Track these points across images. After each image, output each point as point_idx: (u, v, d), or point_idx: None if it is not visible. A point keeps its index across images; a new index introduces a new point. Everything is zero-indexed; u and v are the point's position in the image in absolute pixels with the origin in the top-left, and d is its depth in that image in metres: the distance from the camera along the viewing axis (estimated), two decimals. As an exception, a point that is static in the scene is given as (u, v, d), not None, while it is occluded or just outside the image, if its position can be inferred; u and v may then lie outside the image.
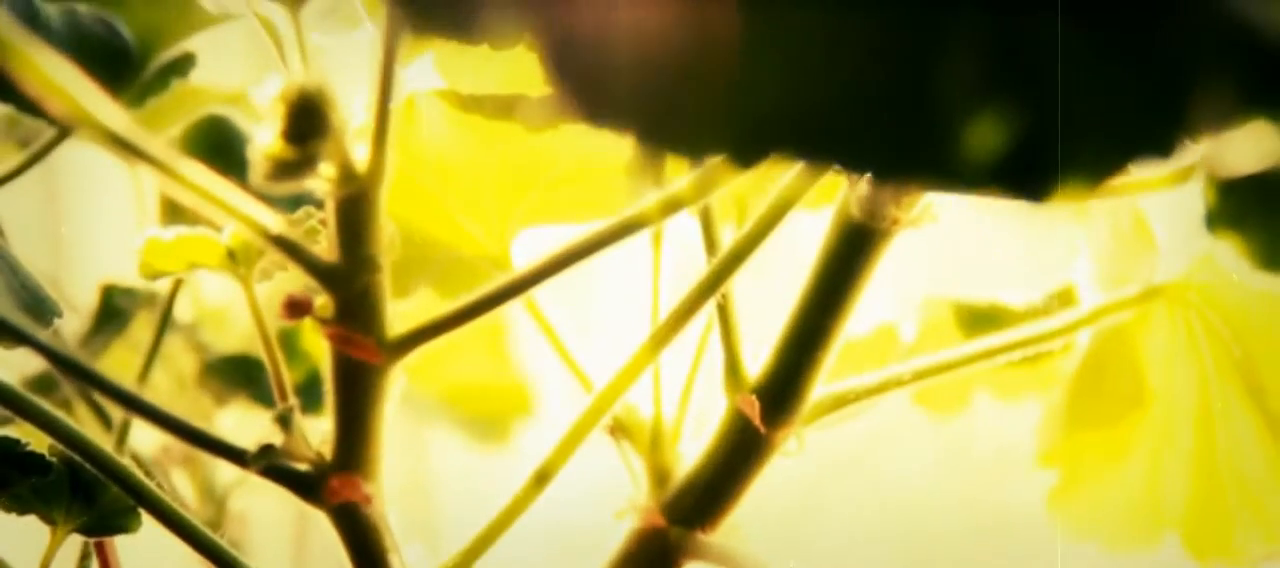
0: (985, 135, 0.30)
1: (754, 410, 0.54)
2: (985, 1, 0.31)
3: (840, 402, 0.56)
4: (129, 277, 0.71)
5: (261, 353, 0.51)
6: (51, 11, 0.65)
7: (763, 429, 0.54)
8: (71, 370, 0.50)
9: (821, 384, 0.55)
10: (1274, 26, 0.32)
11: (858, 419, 0.58)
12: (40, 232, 0.74)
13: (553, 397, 0.85)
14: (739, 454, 0.55)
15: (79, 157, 0.71)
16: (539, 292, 0.55)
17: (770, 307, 0.56)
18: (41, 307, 0.59)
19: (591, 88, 0.29)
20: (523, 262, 0.69)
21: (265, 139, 0.44)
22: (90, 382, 0.49)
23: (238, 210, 0.45)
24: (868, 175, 0.31)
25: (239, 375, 0.70)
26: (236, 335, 0.71)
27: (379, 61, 0.44)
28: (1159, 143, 0.29)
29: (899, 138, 0.30)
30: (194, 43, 0.69)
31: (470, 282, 0.68)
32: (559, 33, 0.29)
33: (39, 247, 0.75)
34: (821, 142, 0.30)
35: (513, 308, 0.67)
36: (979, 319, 0.62)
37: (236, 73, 0.73)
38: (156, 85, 0.67)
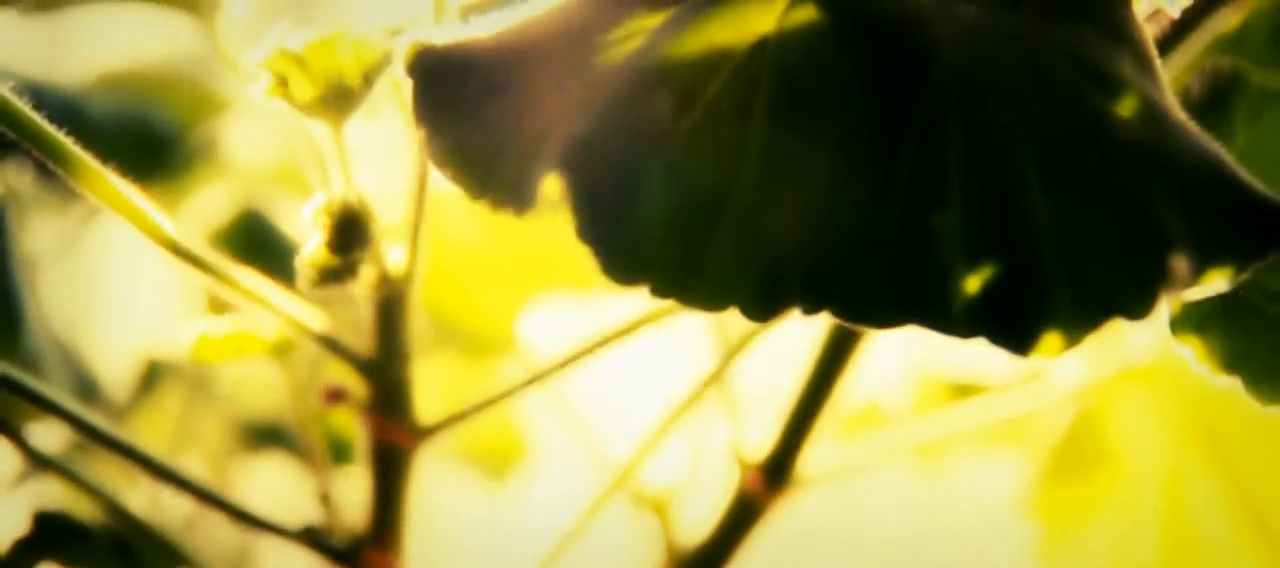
0: (973, 287, 0.34)
1: (759, 483, 0.58)
2: (971, 159, 0.35)
3: (837, 473, 0.60)
4: (166, 338, 0.75)
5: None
6: (92, 102, 0.69)
7: (766, 500, 0.58)
8: (111, 446, 0.53)
9: (818, 454, 0.59)
10: (1237, 178, 0.37)
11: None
12: (75, 293, 0.78)
13: (549, 441, 0.88)
14: (740, 521, 0.60)
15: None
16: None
17: (769, 382, 0.61)
18: (82, 381, 0.63)
19: (617, 248, 0.33)
20: (534, 327, 0.73)
21: (311, 248, 0.48)
22: (132, 458, 0.53)
23: (283, 311, 0.49)
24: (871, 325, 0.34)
25: (272, 437, 0.74)
26: (268, 396, 0.75)
27: (415, 179, 0.48)
28: (1136, 303, 0.33)
29: (898, 288, 0.34)
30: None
31: (486, 348, 0.72)
32: (587, 196, 0.33)
33: (74, 309, 0.79)
34: (828, 295, 0.34)
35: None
36: (960, 391, 0.67)
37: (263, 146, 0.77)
38: (190, 164, 0.71)
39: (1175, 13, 0.45)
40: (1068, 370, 0.63)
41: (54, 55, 0.69)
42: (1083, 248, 0.34)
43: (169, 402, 0.73)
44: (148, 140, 0.69)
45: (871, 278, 0.34)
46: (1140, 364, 0.59)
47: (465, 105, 0.36)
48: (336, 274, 0.48)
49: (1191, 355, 0.48)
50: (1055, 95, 0.36)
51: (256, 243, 0.72)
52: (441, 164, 0.35)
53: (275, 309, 0.49)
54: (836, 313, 0.34)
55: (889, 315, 0.34)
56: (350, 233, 0.48)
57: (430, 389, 0.55)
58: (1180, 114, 0.38)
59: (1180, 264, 0.34)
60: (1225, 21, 0.54)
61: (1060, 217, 0.34)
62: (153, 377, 0.75)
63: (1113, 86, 0.37)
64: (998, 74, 0.35)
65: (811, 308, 0.34)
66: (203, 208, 0.73)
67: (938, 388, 0.67)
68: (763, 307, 0.34)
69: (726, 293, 0.34)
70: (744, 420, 0.60)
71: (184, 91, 0.69)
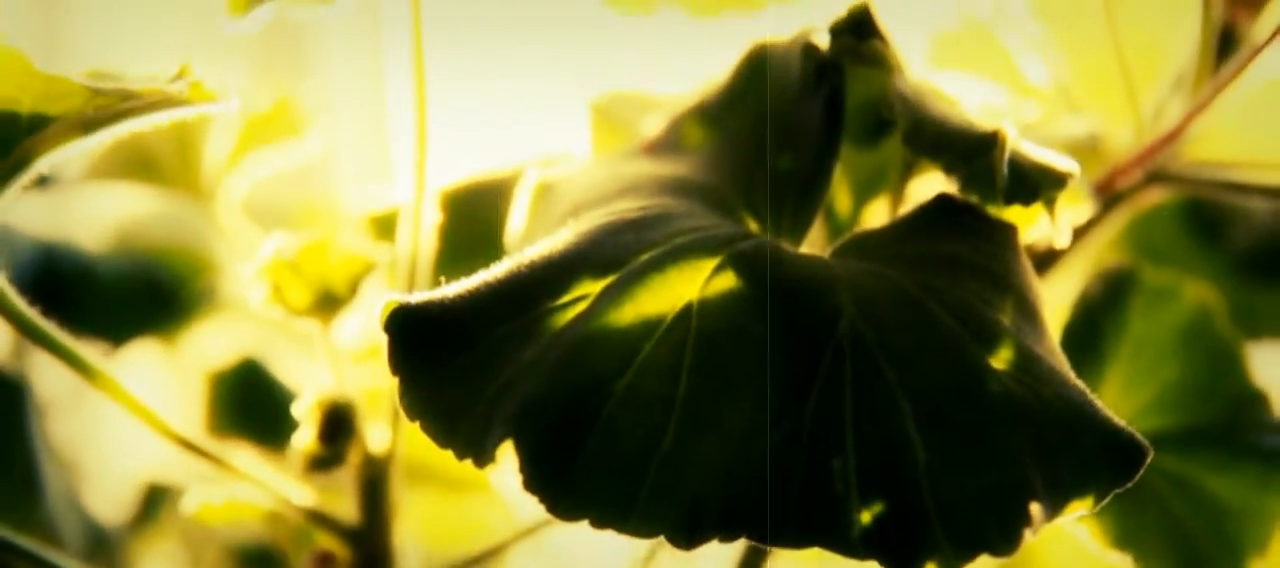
0: (867, 519, 0.40)
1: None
2: (863, 413, 0.41)
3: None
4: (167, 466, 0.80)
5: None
6: (103, 261, 0.75)
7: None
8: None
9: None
10: (1098, 417, 0.43)
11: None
12: (85, 429, 0.84)
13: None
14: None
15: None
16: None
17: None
18: (90, 527, 0.69)
19: (560, 493, 0.39)
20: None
21: (302, 439, 0.54)
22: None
23: (277, 491, 0.55)
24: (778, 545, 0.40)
25: (265, 562, 0.79)
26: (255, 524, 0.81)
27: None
28: (1002, 542, 0.39)
29: (804, 519, 0.40)
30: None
31: (462, 486, 0.78)
32: (534, 454, 0.39)
33: (85, 443, 0.84)
34: (743, 525, 0.40)
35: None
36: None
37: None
38: (191, 314, 0.77)
39: (1064, 244, 0.51)
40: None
41: (71, 223, 0.75)
42: (956, 493, 0.40)
43: (169, 526, 0.79)
44: (152, 293, 0.75)
45: (781, 510, 0.40)
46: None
47: (436, 359, 0.42)
48: (325, 463, 0.54)
49: (1085, 534, 0.54)
50: (939, 353, 0.42)
51: (253, 386, 0.77)
52: (412, 415, 0.41)
53: (270, 490, 0.55)
54: (751, 538, 0.40)
55: (796, 540, 0.40)
56: (338, 426, 0.54)
57: (409, 528, 0.61)
58: (1053, 356, 0.44)
59: (1040, 509, 0.40)
60: (1116, 226, 0.60)
61: (938, 466, 0.40)
62: (154, 501, 0.81)
63: (992, 339, 0.43)
64: (889, 336, 0.42)
65: (729, 536, 0.40)
66: (204, 352, 0.79)
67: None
68: (687, 536, 0.40)
69: (656, 525, 0.40)
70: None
71: (186, 252, 0.75)
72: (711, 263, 0.43)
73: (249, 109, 0.68)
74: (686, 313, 0.42)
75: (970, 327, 0.43)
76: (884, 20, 0.50)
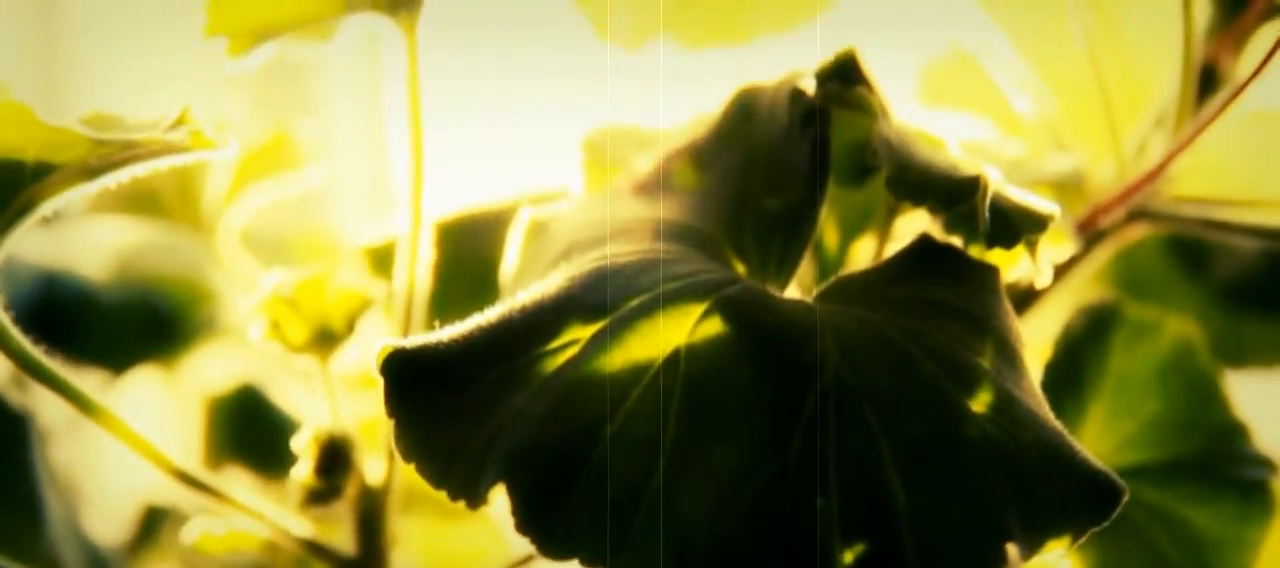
0: (849, 559, 0.41)
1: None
2: (846, 456, 0.42)
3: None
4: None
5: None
6: (104, 290, 0.76)
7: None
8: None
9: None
10: (1074, 458, 0.44)
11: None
12: (86, 453, 0.85)
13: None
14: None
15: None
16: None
17: None
18: (90, 550, 0.70)
19: (552, 535, 0.40)
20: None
21: (300, 472, 0.55)
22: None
23: (274, 522, 0.57)
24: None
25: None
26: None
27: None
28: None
29: (787, 558, 0.41)
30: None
31: (456, 513, 0.79)
32: (525, 497, 0.40)
33: (86, 468, 0.85)
34: (730, 562, 0.41)
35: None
36: None
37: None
38: (192, 338, 0.79)
39: (1045, 284, 0.52)
40: None
41: (72, 254, 0.76)
42: (935, 535, 0.41)
43: (169, 549, 0.80)
44: (153, 321, 0.77)
45: (766, 551, 0.41)
46: None
47: (430, 403, 0.43)
48: (323, 496, 0.55)
49: (1068, 567, 0.55)
50: (920, 397, 0.43)
51: (251, 412, 0.79)
52: (407, 458, 0.42)
53: (268, 522, 0.56)
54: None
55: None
56: (335, 461, 0.55)
57: (405, 557, 0.62)
58: (1031, 397, 0.45)
59: (1016, 550, 0.41)
60: (1099, 261, 0.61)
61: (917, 508, 0.41)
62: (153, 524, 0.82)
63: (972, 383, 0.44)
64: (871, 381, 0.43)
65: (715, 574, 0.41)
66: (203, 379, 0.80)
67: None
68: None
69: (644, 565, 0.41)
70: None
71: (185, 282, 0.76)
72: (699, 309, 0.44)
73: (247, 143, 0.69)
74: (675, 358, 0.43)
75: (951, 371, 0.44)
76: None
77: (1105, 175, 0.62)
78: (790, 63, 0.55)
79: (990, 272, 0.49)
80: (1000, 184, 0.49)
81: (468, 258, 0.66)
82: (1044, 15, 0.68)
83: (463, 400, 0.43)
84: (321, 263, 0.75)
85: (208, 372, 0.80)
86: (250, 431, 0.77)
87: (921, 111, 0.77)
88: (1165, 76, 0.62)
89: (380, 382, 0.43)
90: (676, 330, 0.43)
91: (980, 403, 0.43)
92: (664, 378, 0.42)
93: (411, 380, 0.43)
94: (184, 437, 0.78)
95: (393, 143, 1.02)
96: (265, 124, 0.69)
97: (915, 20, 0.69)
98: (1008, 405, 0.44)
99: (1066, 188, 0.61)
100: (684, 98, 0.66)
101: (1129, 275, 0.70)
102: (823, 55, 0.52)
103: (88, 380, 0.79)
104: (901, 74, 0.80)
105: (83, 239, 0.76)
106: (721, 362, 0.43)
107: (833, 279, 0.48)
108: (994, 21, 0.68)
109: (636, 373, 0.42)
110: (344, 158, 1.04)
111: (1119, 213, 0.59)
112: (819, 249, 0.59)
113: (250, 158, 0.70)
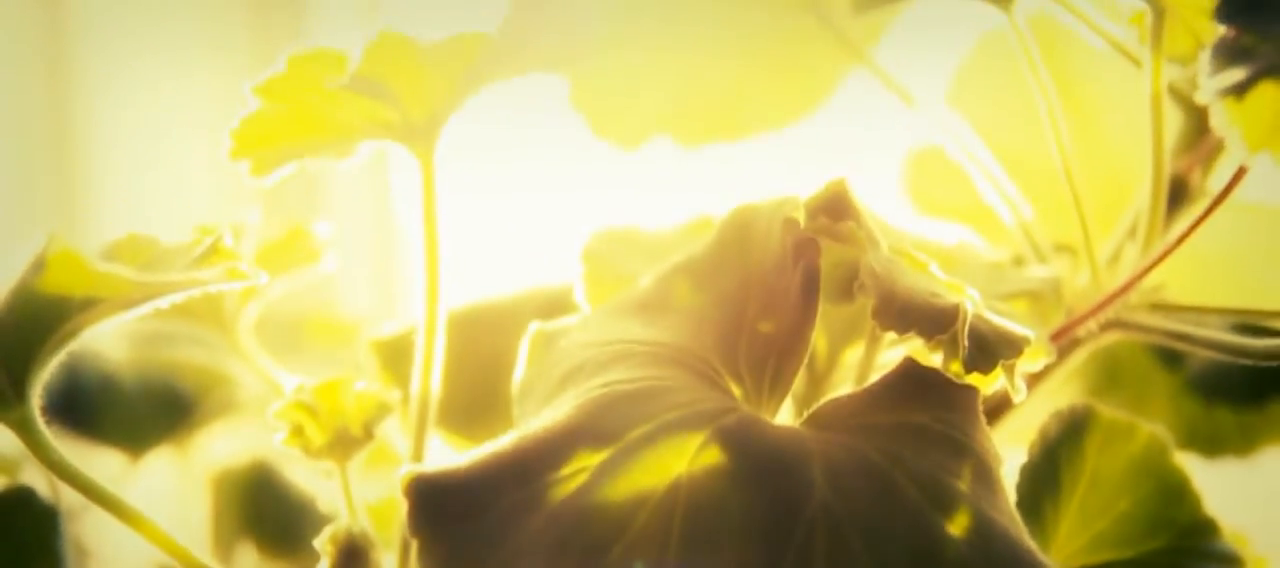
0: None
1: None
2: None
3: None
4: None
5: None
6: (124, 372, 0.79)
7: None
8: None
9: None
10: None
11: None
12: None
13: None
14: None
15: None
16: None
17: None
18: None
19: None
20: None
21: (321, 571, 0.59)
22: None
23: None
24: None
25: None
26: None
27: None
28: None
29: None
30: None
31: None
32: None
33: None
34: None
35: None
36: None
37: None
38: (209, 421, 0.82)
39: (1020, 398, 0.55)
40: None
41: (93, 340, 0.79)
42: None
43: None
44: (171, 405, 0.80)
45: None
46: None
47: (450, 526, 0.46)
48: (342, 593, 0.58)
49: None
50: (902, 523, 0.46)
51: (264, 489, 0.82)
52: (430, 578, 0.45)
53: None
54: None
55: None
56: (353, 559, 0.58)
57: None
58: (1005, 516, 0.49)
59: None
60: (1074, 365, 0.65)
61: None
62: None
63: (951, 507, 0.47)
64: (856, 508, 0.46)
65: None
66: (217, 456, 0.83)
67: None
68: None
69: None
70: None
71: (203, 369, 0.79)
72: (698, 438, 0.47)
73: (263, 238, 0.72)
74: (675, 486, 0.46)
75: (932, 496, 0.47)
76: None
77: (1082, 283, 0.65)
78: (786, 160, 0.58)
79: (969, 393, 0.52)
80: (979, 308, 0.52)
81: (476, 347, 0.69)
82: (1019, 122, 0.72)
83: (480, 525, 0.46)
84: (331, 348, 0.79)
85: (220, 449, 0.83)
86: (262, 508, 0.80)
87: (907, 206, 0.81)
88: (1139, 185, 0.65)
89: (403, 503, 0.47)
90: (677, 459, 0.47)
91: (958, 526, 0.47)
92: (666, 505, 0.46)
93: (433, 505, 0.47)
94: (197, 514, 0.81)
95: (399, 233, 1.06)
96: (280, 222, 0.73)
97: (906, 119, 0.73)
98: (984, 527, 0.47)
99: (1046, 298, 0.64)
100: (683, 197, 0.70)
101: (1104, 368, 0.74)
102: (816, 155, 0.56)
103: (108, 462, 0.82)
104: (891, 166, 0.84)
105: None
106: (718, 490, 0.46)
107: (822, 403, 0.51)
108: (970, 126, 0.72)
109: (640, 500, 0.46)
110: (356, 249, 1.07)
111: (1092, 325, 0.62)
112: (811, 356, 0.62)
113: (266, 251, 0.73)
